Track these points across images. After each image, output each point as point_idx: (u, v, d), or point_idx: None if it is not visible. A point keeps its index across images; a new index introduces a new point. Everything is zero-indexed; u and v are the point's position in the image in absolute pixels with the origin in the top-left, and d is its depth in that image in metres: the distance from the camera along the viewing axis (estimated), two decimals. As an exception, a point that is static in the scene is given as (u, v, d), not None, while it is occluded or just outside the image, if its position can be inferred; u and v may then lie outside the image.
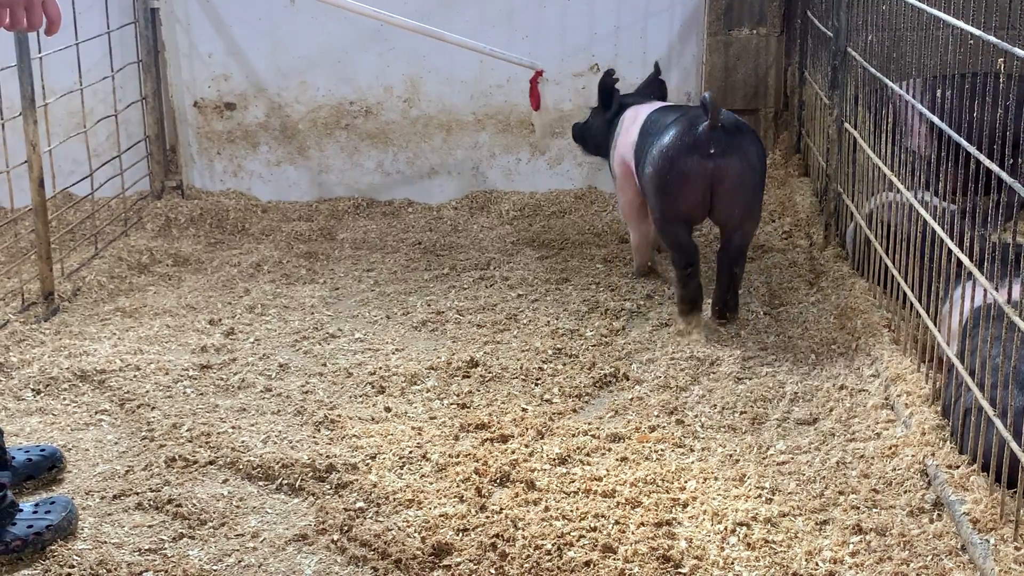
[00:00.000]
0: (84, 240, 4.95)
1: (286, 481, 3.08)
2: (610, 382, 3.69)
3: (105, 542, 2.81)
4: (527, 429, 3.34)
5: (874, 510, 2.86)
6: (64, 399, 3.57)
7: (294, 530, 2.86)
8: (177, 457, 3.18)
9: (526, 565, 2.68)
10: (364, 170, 5.65)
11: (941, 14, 3.23)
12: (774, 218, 5.10)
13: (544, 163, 5.65)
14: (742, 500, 2.93)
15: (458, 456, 3.19)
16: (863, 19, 4.11)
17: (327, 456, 3.17)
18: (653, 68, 4.79)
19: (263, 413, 3.49)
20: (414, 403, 3.56)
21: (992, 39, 2.75)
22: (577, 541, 2.78)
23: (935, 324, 3.35)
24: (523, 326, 4.13)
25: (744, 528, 2.81)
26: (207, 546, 2.80)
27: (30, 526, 2.77)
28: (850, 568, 2.65)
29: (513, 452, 3.21)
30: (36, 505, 2.84)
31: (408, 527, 2.85)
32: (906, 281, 3.56)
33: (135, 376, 3.69)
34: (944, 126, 3.22)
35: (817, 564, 2.67)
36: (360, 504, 2.96)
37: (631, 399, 3.56)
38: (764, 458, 3.17)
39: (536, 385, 3.68)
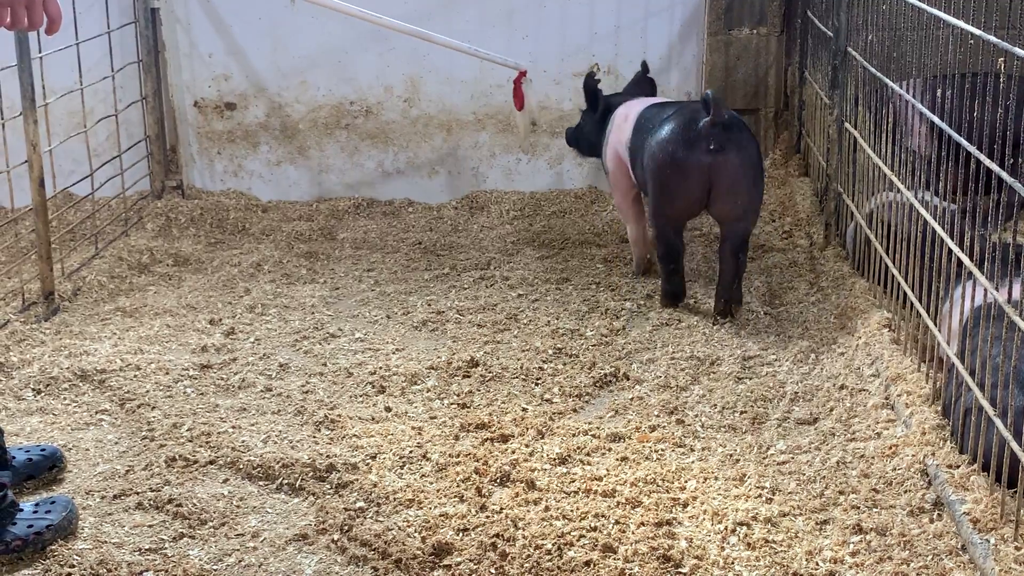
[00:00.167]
0: (84, 240, 4.95)
1: (286, 481, 3.08)
2: (610, 382, 3.69)
3: (105, 542, 2.81)
4: (527, 429, 3.34)
5: (874, 510, 2.86)
6: (64, 399, 3.57)
7: (294, 530, 2.86)
8: (177, 457, 3.18)
9: (526, 565, 2.68)
10: (364, 170, 5.65)
11: (941, 14, 3.22)
12: (774, 218, 5.10)
13: (544, 163, 5.65)
14: (742, 500, 2.93)
15: (458, 456, 3.19)
16: (863, 19, 4.11)
17: (327, 456, 3.17)
18: (640, 67, 4.81)
19: (263, 413, 3.49)
20: (414, 403, 3.56)
21: (992, 39, 2.75)
22: (577, 541, 2.78)
23: (935, 324, 3.35)
24: (523, 326, 4.13)
25: (744, 528, 2.81)
26: (207, 546, 2.80)
27: (30, 526, 2.77)
28: (850, 568, 2.65)
29: (513, 452, 3.21)
30: (36, 505, 2.84)
31: (408, 527, 2.85)
32: (906, 281, 3.56)
33: (135, 376, 3.69)
34: (944, 126, 3.22)
35: (817, 564, 2.67)
36: (360, 504, 2.96)
37: (631, 399, 3.56)
38: (764, 458, 3.17)
39: (536, 385, 3.68)
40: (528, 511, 2.90)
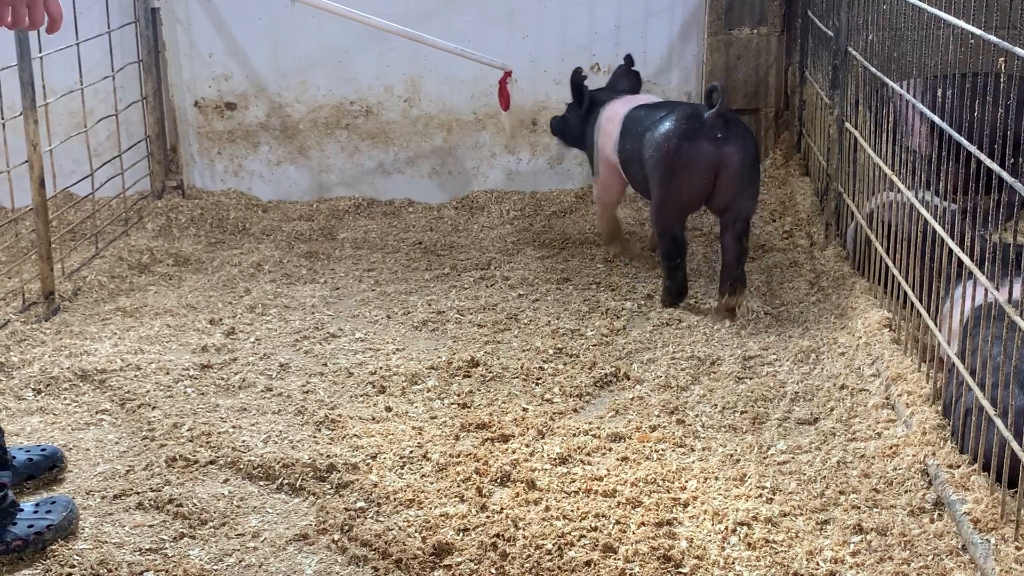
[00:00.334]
0: (85, 240, 4.95)
1: (287, 481, 3.08)
2: (611, 382, 3.69)
3: (106, 542, 2.81)
4: (528, 429, 3.34)
5: (875, 510, 2.86)
6: (65, 399, 3.57)
7: (295, 530, 2.86)
8: (178, 457, 3.18)
9: (527, 565, 2.68)
10: (364, 170, 5.65)
11: (941, 13, 3.23)
12: (775, 218, 5.11)
13: (544, 163, 5.65)
14: (743, 500, 2.93)
15: (459, 456, 3.19)
16: (864, 19, 4.11)
17: (328, 456, 3.17)
18: (624, 60, 4.84)
19: (264, 413, 3.49)
20: (415, 403, 3.56)
21: (992, 39, 2.75)
22: (578, 541, 2.78)
23: (936, 323, 3.35)
24: (524, 326, 4.13)
25: (745, 528, 2.81)
26: (208, 546, 2.80)
27: (31, 526, 2.77)
28: (851, 568, 2.65)
29: (514, 452, 3.21)
30: (37, 505, 2.84)
31: (409, 527, 2.85)
32: (907, 281, 3.56)
33: (136, 376, 3.69)
34: (945, 125, 3.22)
35: (818, 564, 2.67)
36: (361, 504, 2.96)
37: (632, 399, 3.56)
38: (765, 458, 3.17)
39: (537, 385, 3.68)
40: (528, 511, 2.90)
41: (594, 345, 3.95)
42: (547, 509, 2.91)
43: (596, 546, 2.75)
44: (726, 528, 2.81)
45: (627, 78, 4.84)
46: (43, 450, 3.13)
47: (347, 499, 2.98)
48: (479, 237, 5.15)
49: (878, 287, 3.93)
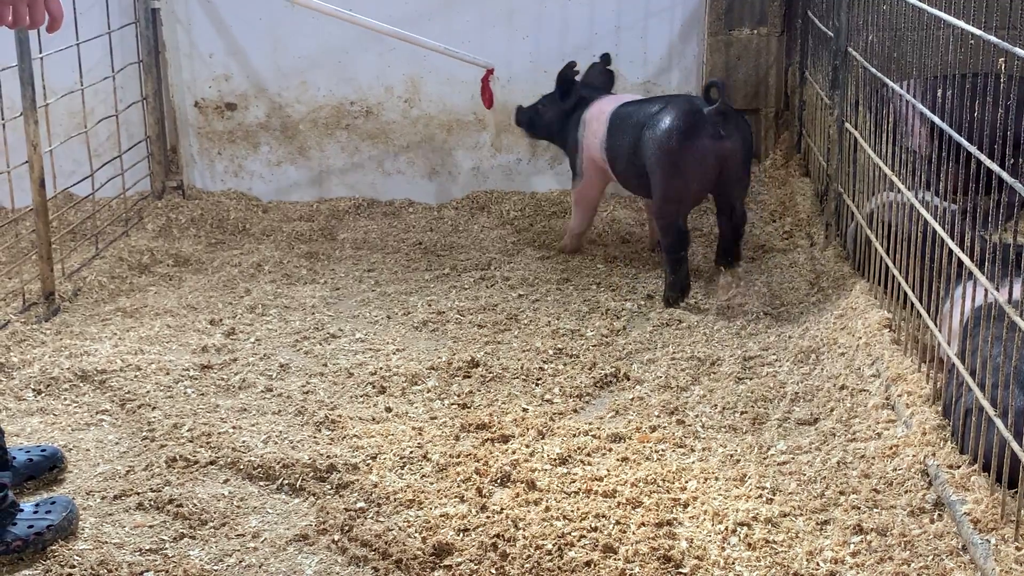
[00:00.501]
0: (85, 240, 4.95)
1: (287, 481, 3.08)
2: (611, 382, 3.69)
3: (106, 542, 2.81)
4: (528, 429, 3.34)
5: (875, 510, 2.86)
6: (65, 399, 3.57)
7: (295, 530, 2.86)
8: (178, 457, 3.18)
9: (527, 565, 2.68)
10: (364, 170, 5.65)
11: (942, 14, 3.22)
12: (775, 218, 5.10)
13: (544, 163, 5.65)
14: (743, 500, 2.93)
15: (459, 456, 3.19)
16: (864, 19, 4.11)
17: (328, 456, 3.17)
18: (600, 58, 4.85)
19: (264, 413, 3.49)
20: (415, 403, 3.56)
21: (992, 39, 2.75)
22: (578, 541, 2.78)
23: (936, 324, 3.35)
24: (524, 326, 4.13)
25: (745, 528, 2.81)
26: (208, 546, 2.80)
27: (31, 526, 2.77)
28: (851, 568, 2.65)
29: (514, 452, 3.21)
30: (37, 505, 2.84)
31: (409, 527, 2.85)
32: (907, 281, 3.56)
33: (136, 376, 3.69)
34: (945, 126, 3.22)
35: (818, 564, 2.67)
36: (361, 504, 2.96)
37: (632, 399, 3.56)
38: (765, 458, 3.17)
39: (537, 385, 3.68)
40: (528, 511, 2.90)
41: (594, 345, 3.95)
42: (547, 509, 2.91)
43: (596, 546, 2.75)
44: (726, 528, 2.81)
45: (602, 76, 4.86)
46: (43, 450, 3.13)
47: (347, 499, 2.98)
48: (479, 237, 5.15)
49: (878, 287, 3.93)
